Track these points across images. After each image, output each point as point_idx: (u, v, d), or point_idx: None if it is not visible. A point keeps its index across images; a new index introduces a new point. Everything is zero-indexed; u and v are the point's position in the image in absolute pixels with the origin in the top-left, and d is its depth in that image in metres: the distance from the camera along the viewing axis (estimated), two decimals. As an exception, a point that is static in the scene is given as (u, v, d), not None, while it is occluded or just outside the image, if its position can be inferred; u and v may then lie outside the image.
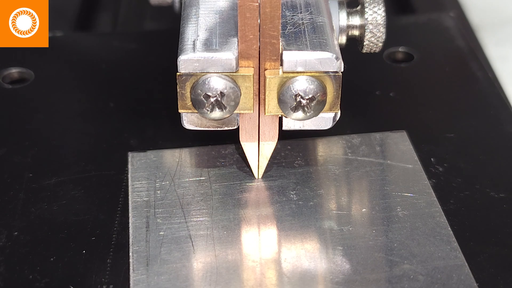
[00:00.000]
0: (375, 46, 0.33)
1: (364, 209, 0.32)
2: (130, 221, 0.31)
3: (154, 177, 0.33)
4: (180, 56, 0.29)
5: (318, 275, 0.29)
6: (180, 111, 0.31)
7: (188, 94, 0.30)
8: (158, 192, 0.32)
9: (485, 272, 0.29)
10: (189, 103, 0.30)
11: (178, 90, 0.30)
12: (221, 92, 0.29)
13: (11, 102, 0.38)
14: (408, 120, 0.37)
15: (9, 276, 0.29)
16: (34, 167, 0.34)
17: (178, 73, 0.30)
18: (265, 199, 0.32)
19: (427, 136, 0.36)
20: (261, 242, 0.31)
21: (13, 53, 0.39)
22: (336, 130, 0.36)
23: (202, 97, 0.30)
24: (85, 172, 0.34)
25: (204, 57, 0.29)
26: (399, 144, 0.35)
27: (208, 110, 0.30)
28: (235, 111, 0.30)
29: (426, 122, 0.37)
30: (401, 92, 0.39)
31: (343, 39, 0.33)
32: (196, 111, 0.30)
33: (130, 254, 0.30)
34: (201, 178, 0.33)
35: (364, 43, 0.33)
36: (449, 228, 0.31)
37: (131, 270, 0.29)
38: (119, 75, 0.41)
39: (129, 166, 0.34)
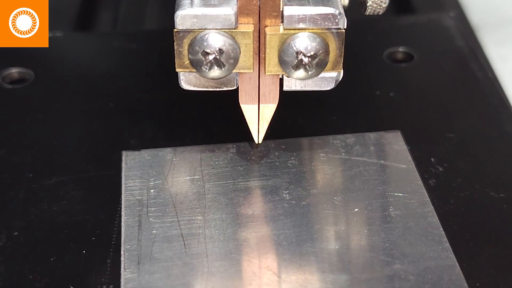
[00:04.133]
0: (379, 7, 0.32)
1: (356, 209, 0.32)
2: (123, 219, 0.31)
3: (148, 176, 0.33)
4: (177, 12, 0.29)
5: (309, 274, 0.29)
6: (177, 70, 0.30)
7: (185, 52, 0.29)
8: (151, 191, 0.32)
9: (485, 272, 0.29)
10: (187, 62, 0.29)
11: (175, 47, 0.29)
12: (219, 49, 0.29)
13: (11, 102, 0.38)
14: (408, 120, 0.37)
15: (9, 276, 0.29)
16: (34, 167, 0.34)
17: (175, 30, 0.29)
18: (258, 198, 0.32)
19: (427, 136, 0.36)
20: (253, 241, 0.31)
21: (13, 53, 0.39)
22: (336, 129, 0.36)
23: (200, 54, 0.29)
24: (85, 172, 0.34)
25: (202, 13, 0.29)
26: (393, 144, 0.35)
27: (206, 68, 0.29)
28: (234, 70, 0.30)
29: (426, 122, 0.37)
30: (401, 92, 0.39)
31: (345, 0, 0.33)
32: (194, 70, 0.30)
33: (122, 252, 0.30)
34: (195, 177, 0.33)
35: (368, 4, 0.32)
36: (441, 229, 0.31)
37: (122, 269, 0.29)
38: (119, 75, 0.41)
39: (123, 165, 0.34)
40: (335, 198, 0.32)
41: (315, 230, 0.31)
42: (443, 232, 0.31)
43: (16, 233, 0.31)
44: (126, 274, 0.29)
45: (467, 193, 0.33)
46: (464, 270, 0.29)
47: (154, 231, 0.31)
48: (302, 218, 0.31)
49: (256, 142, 0.33)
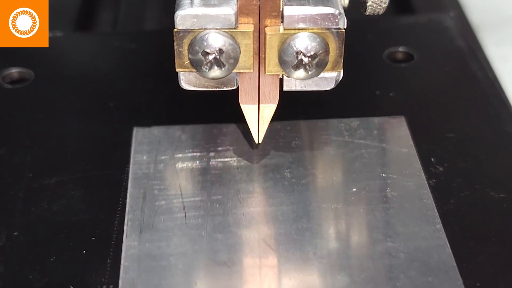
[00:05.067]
0: (379, 7, 0.32)
1: (354, 189, 0.32)
2: (128, 191, 0.32)
3: (156, 151, 0.34)
4: (177, 11, 0.29)
5: (303, 248, 0.30)
6: (177, 70, 0.30)
7: (185, 52, 0.29)
8: (158, 165, 0.33)
9: (485, 272, 0.29)
10: (187, 62, 0.30)
11: (175, 47, 0.29)
12: (219, 49, 0.29)
13: (11, 102, 0.38)
14: (408, 120, 0.37)
15: (9, 276, 0.29)
16: (34, 167, 0.34)
17: (175, 30, 0.29)
18: (260, 175, 0.33)
19: (427, 136, 0.36)
20: (252, 215, 0.31)
21: (13, 53, 0.39)
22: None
23: (200, 54, 0.29)
24: (85, 172, 0.34)
25: (202, 13, 0.29)
26: (396, 129, 0.36)
27: (206, 68, 0.29)
28: (234, 70, 0.30)
29: (426, 122, 0.37)
30: (401, 92, 0.39)
31: (345, 1, 0.32)
32: (194, 70, 0.30)
33: (125, 221, 0.31)
34: (200, 154, 0.34)
35: (368, 4, 0.32)
36: (435, 210, 0.31)
37: (124, 237, 0.30)
38: (119, 75, 0.41)
39: (133, 140, 0.35)
40: (334, 178, 0.33)
41: (311, 208, 0.32)
42: (437, 214, 0.31)
43: (16, 233, 0.31)
44: (127, 242, 0.30)
45: (467, 193, 0.33)
46: (464, 270, 0.29)
47: (157, 203, 0.32)
48: (301, 196, 0.32)
49: (256, 142, 0.33)
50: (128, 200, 0.32)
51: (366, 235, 0.31)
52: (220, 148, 0.34)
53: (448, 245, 0.30)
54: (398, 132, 0.35)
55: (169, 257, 0.30)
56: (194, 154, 0.34)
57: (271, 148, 0.34)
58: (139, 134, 0.35)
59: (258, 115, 0.33)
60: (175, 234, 0.30)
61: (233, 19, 0.29)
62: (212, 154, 0.34)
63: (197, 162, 0.34)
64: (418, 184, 0.33)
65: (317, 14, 0.29)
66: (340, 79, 0.31)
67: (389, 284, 0.28)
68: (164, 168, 0.33)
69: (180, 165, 0.34)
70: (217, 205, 0.32)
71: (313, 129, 0.36)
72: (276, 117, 0.33)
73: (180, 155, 0.34)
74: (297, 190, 0.32)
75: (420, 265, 0.29)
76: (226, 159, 0.34)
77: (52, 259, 0.30)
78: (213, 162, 0.34)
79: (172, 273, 0.29)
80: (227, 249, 0.30)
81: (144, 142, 0.35)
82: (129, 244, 0.30)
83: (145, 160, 0.34)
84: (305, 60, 0.29)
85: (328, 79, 0.31)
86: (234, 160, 0.34)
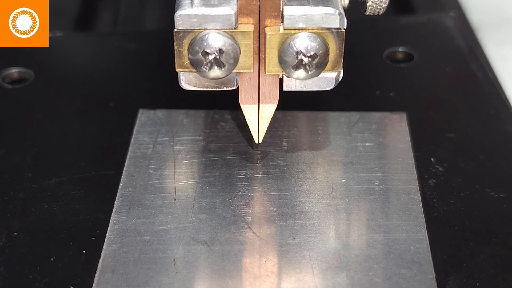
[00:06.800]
0: (379, 7, 0.32)
1: (343, 180, 0.33)
2: (125, 168, 0.33)
3: (157, 133, 0.35)
4: (177, 12, 0.29)
5: (283, 234, 0.30)
6: (177, 70, 0.30)
7: (185, 52, 0.30)
8: (157, 146, 0.34)
9: (485, 272, 0.29)
10: (187, 62, 0.30)
11: (175, 47, 0.30)
12: (219, 49, 0.29)
13: (11, 102, 0.38)
14: (408, 120, 0.37)
15: (9, 276, 0.29)
16: (34, 167, 0.34)
17: (175, 30, 0.29)
18: (253, 161, 0.34)
19: (427, 136, 0.36)
20: (239, 199, 0.32)
21: (13, 53, 0.39)
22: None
23: (200, 54, 0.29)
24: (85, 172, 0.34)
25: (202, 13, 0.29)
26: (396, 124, 0.36)
27: (206, 69, 0.29)
28: (234, 70, 0.30)
29: (426, 122, 0.37)
30: (401, 92, 0.39)
31: (345, 1, 0.32)
32: (194, 70, 0.30)
33: (117, 197, 0.32)
34: (199, 138, 0.35)
35: (368, 4, 0.32)
36: (421, 205, 0.32)
37: (113, 211, 0.31)
38: (119, 75, 0.41)
39: (137, 121, 0.36)
40: (326, 168, 0.34)
41: (298, 195, 0.32)
42: (421, 209, 0.32)
43: (16, 233, 0.31)
44: (116, 216, 0.31)
45: (467, 193, 0.33)
46: (464, 270, 0.29)
47: (150, 182, 0.33)
48: (290, 183, 0.33)
49: (256, 142, 0.34)
50: (122, 177, 0.33)
51: (346, 225, 0.31)
52: (219, 134, 0.35)
53: (427, 239, 0.30)
54: (397, 128, 0.36)
55: (152, 233, 0.30)
56: (193, 137, 0.35)
57: (269, 136, 0.35)
58: (143, 116, 0.36)
59: (258, 115, 0.33)
60: (162, 212, 0.31)
61: (233, 19, 0.29)
62: (210, 138, 0.35)
63: (195, 145, 0.34)
64: (408, 179, 0.33)
65: (317, 14, 0.29)
66: (340, 79, 0.31)
67: (361, 272, 0.29)
68: (162, 149, 0.34)
69: (178, 147, 0.34)
70: (207, 187, 0.32)
71: (313, 120, 0.36)
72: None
73: (180, 138, 0.35)
74: (287, 178, 0.33)
75: (395, 256, 0.29)
76: (222, 144, 0.35)
77: (52, 259, 0.30)
78: (209, 146, 0.34)
79: (152, 248, 0.30)
80: (210, 229, 0.31)
81: (147, 123, 0.36)
82: (117, 218, 0.31)
83: (145, 140, 0.35)
84: (305, 60, 0.29)
85: (328, 79, 0.31)
86: (231, 146, 0.34)
